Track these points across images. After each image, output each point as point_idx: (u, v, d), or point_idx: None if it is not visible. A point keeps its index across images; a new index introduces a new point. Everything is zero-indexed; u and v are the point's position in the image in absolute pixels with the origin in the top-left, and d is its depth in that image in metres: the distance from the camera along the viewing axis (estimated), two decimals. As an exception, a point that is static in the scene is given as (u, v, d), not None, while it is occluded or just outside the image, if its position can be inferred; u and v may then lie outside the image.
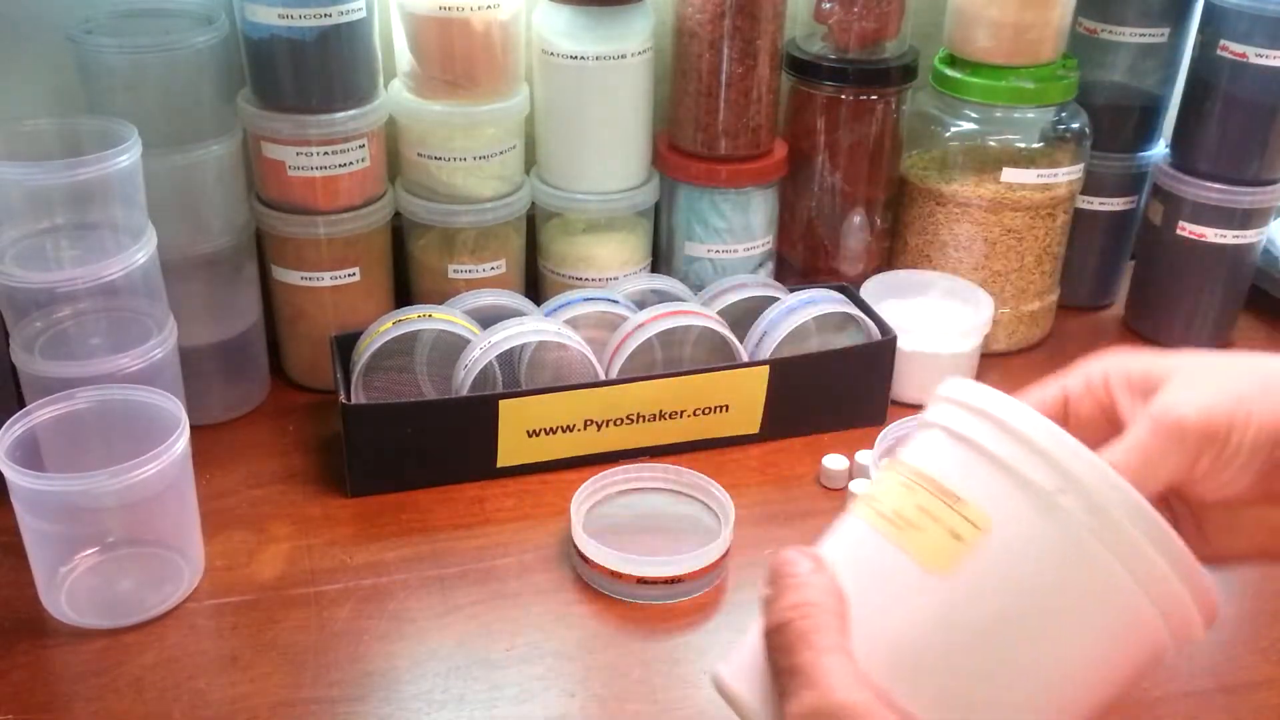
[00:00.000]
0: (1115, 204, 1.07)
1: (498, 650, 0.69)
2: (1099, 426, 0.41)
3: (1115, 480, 0.35)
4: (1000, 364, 1.01)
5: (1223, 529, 0.41)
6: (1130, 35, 1.00)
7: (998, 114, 0.97)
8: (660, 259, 1.02)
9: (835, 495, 0.84)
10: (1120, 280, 1.12)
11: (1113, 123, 1.03)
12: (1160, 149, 1.06)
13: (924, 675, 0.35)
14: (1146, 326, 1.07)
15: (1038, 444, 0.35)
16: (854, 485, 0.82)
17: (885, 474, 0.40)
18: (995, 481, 0.35)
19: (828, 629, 0.36)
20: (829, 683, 0.35)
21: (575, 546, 0.74)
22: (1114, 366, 0.42)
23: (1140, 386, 0.40)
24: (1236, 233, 1.00)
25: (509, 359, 0.87)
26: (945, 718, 0.35)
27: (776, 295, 0.92)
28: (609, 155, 0.95)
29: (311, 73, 0.83)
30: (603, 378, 0.85)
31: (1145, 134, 1.05)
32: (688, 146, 0.97)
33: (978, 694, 0.35)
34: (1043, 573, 0.35)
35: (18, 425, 0.69)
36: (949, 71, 0.97)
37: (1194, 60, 1.00)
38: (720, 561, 0.74)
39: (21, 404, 0.72)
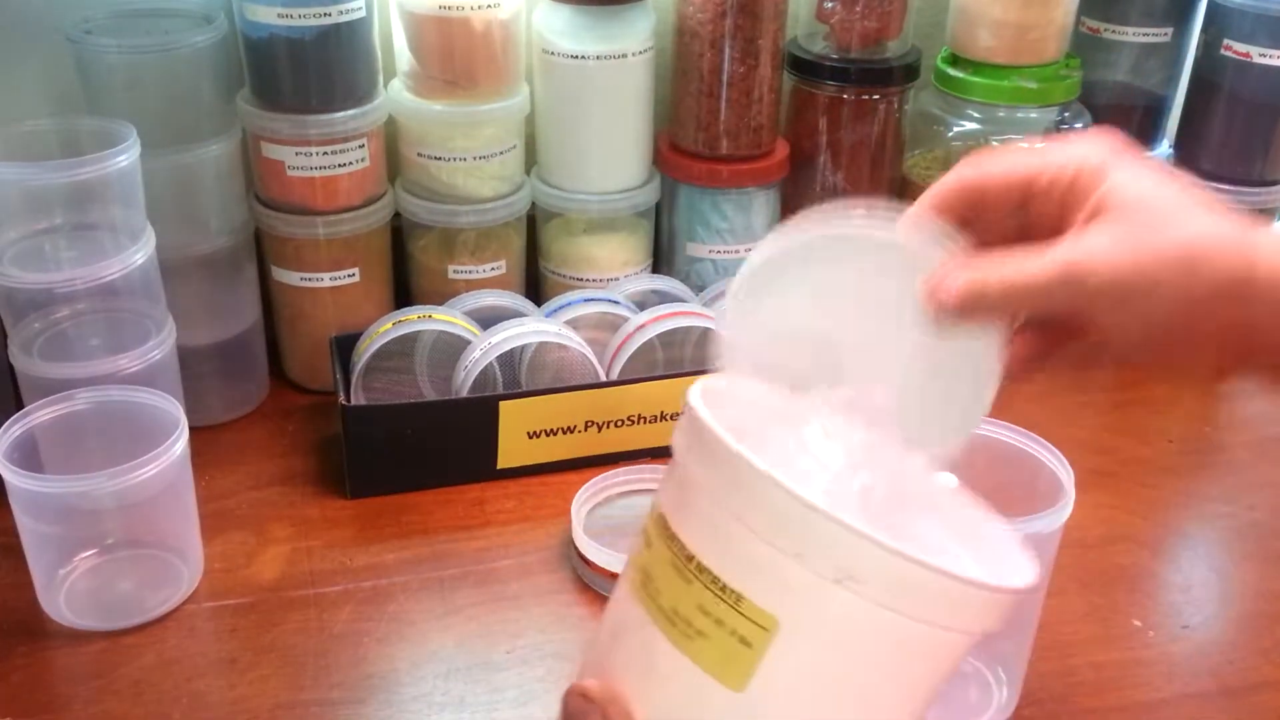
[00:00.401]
0: (1118, 204, 1.07)
1: (498, 652, 0.69)
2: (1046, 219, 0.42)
3: (896, 554, 0.31)
4: (1002, 364, 1.01)
5: None
6: (1133, 35, 1.00)
7: (1000, 114, 0.96)
8: (661, 259, 1.02)
9: (837, 496, 0.83)
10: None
11: (1116, 122, 1.02)
12: (1164, 149, 1.05)
13: None
14: (1149, 327, 1.07)
15: (812, 526, 0.31)
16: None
17: (657, 543, 0.34)
18: (770, 573, 0.31)
19: None
20: None
21: (576, 548, 0.74)
22: (1085, 170, 0.41)
23: (1091, 203, 0.40)
24: None
25: (509, 360, 0.86)
26: None
27: (778, 296, 0.92)
28: (610, 155, 0.95)
29: (311, 72, 0.83)
30: (603, 379, 0.85)
31: (1148, 134, 1.05)
32: (689, 146, 0.96)
33: None
34: (845, 659, 0.32)
35: (16, 426, 0.69)
36: (951, 71, 0.97)
37: (1197, 60, 1.00)
38: (721, 563, 0.74)
39: (20, 405, 0.72)
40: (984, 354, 0.41)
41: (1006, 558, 0.36)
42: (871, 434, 0.38)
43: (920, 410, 0.40)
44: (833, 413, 0.38)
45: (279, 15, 0.80)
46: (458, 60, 0.86)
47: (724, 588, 0.32)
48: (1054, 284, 0.39)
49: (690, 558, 0.32)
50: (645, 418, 0.84)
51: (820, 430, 0.37)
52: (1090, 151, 0.41)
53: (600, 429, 0.84)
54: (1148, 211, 0.39)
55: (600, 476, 0.79)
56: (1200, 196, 0.40)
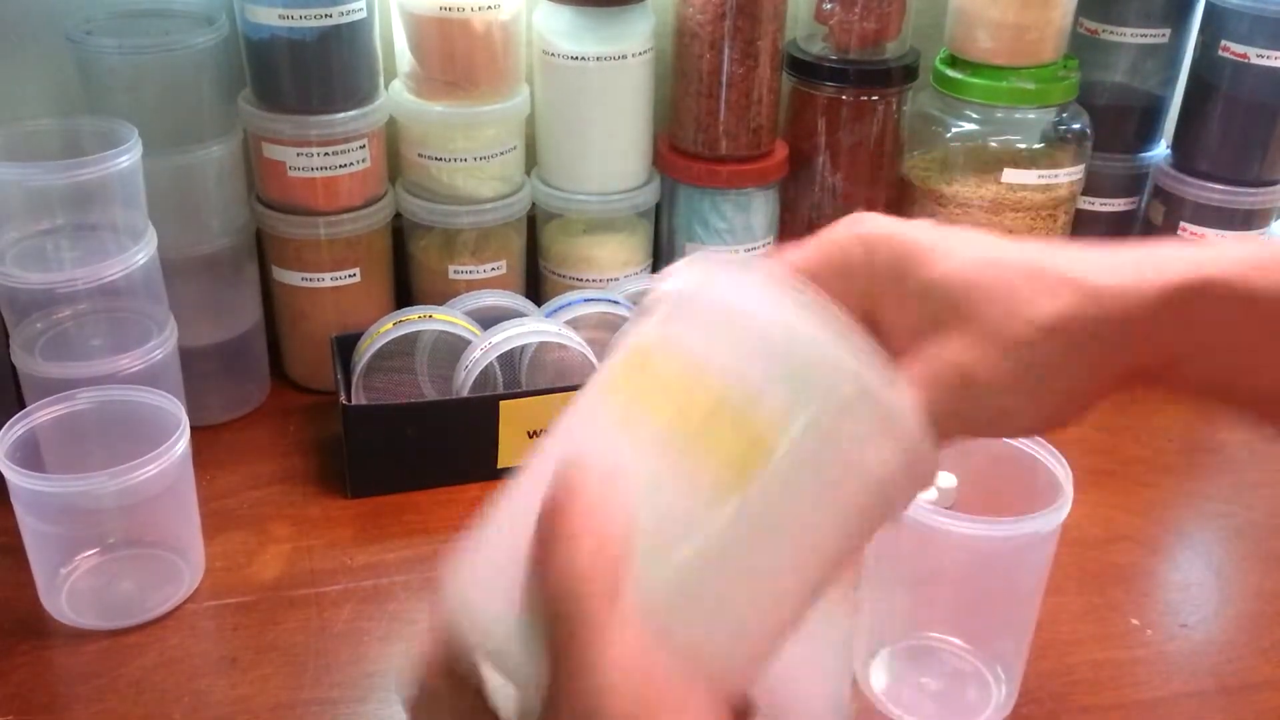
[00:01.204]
0: (1116, 205, 1.07)
1: (498, 651, 0.69)
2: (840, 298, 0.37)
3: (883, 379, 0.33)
4: (1001, 365, 1.01)
5: None
6: (1131, 36, 1.00)
7: (999, 115, 0.96)
8: (661, 260, 1.02)
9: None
10: (1121, 281, 1.12)
11: (1114, 123, 1.03)
12: (1161, 150, 1.06)
13: (703, 599, 0.33)
14: (1147, 327, 1.07)
15: (825, 339, 0.32)
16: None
17: (669, 355, 0.34)
18: (790, 377, 0.32)
19: (619, 581, 0.30)
20: (612, 672, 0.29)
21: (576, 547, 0.74)
22: (878, 245, 0.37)
23: (911, 292, 0.36)
24: (1238, 233, 1.00)
25: (510, 360, 0.86)
26: (718, 632, 0.33)
27: (777, 296, 0.92)
28: (610, 156, 0.95)
29: (312, 73, 0.83)
30: (603, 378, 0.85)
31: (1146, 135, 1.05)
32: (688, 147, 0.97)
33: (754, 590, 0.33)
34: (821, 464, 0.33)
35: (18, 426, 0.69)
36: (950, 72, 0.97)
37: (1195, 61, 1.00)
38: (721, 562, 0.74)
39: (22, 405, 0.72)
40: None
41: None
42: None
43: None
44: None
45: (280, 16, 0.80)
46: (458, 61, 0.87)
47: (735, 398, 0.32)
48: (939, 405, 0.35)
49: (702, 369, 0.33)
50: (645, 418, 0.84)
51: None
52: (850, 229, 0.38)
53: (600, 429, 0.84)
54: (979, 296, 0.35)
55: (600, 476, 0.79)
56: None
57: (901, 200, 1.02)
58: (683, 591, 0.32)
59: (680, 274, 0.35)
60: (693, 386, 0.33)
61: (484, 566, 0.33)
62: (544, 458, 0.34)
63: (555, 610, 0.30)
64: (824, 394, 0.33)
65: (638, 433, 0.33)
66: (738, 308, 0.34)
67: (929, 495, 0.74)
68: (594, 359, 0.85)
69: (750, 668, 0.35)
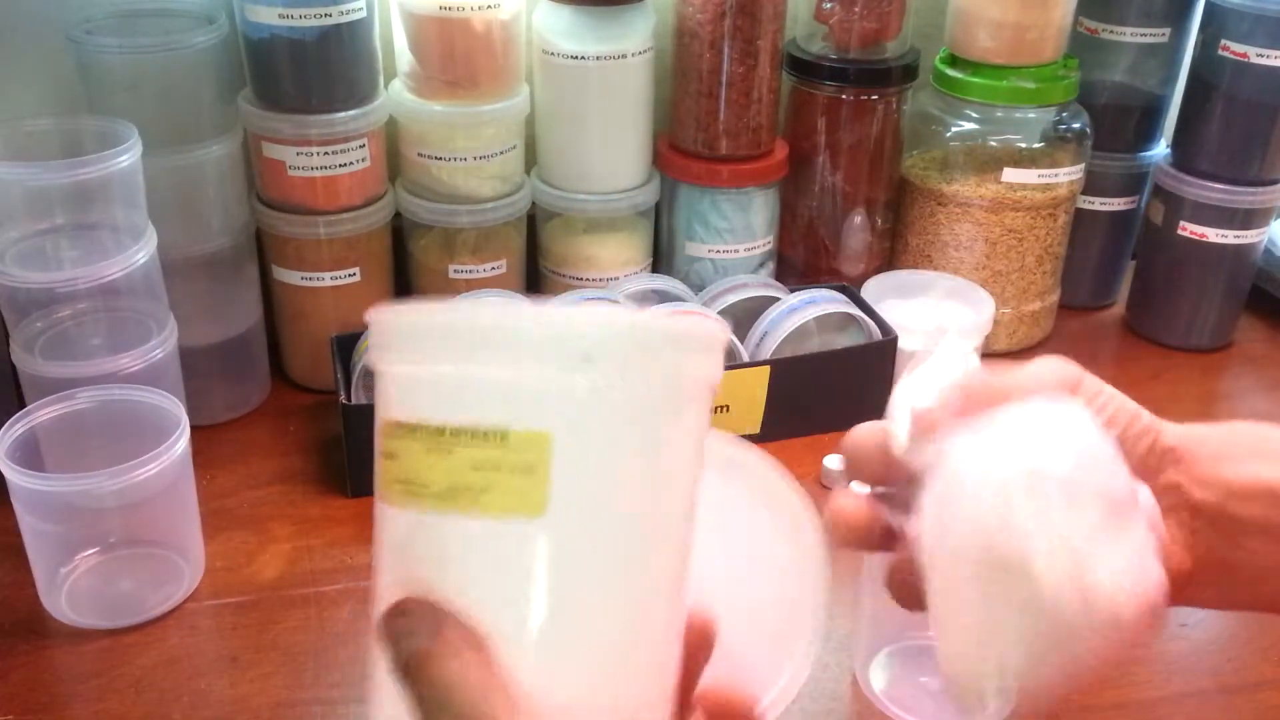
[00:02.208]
0: (1116, 204, 1.07)
1: (498, 651, 0.69)
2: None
3: (603, 319, 0.32)
4: (1001, 364, 1.01)
5: None
6: (1131, 35, 1.00)
7: (999, 114, 0.97)
8: (661, 259, 1.02)
9: (836, 495, 0.83)
10: (1121, 280, 1.12)
11: (1114, 123, 1.03)
12: (1161, 149, 1.06)
13: (578, 628, 0.32)
14: (1147, 326, 1.07)
15: (527, 333, 0.32)
16: (854, 485, 0.82)
17: (399, 447, 0.33)
18: (517, 395, 0.32)
19: (491, 664, 0.31)
20: None
21: (576, 547, 0.74)
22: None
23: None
24: (1237, 233, 1.00)
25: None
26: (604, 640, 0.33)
27: (777, 295, 0.92)
28: (609, 155, 0.95)
29: (312, 73, 0.83)
30: (603, 378, 0.85)
31: (1146, 134, 1.05)
32: (688, 146, 0.97)
33: (631, 584, 0.33)
34: (615, 439, 0.32)
35: (18, 425, 0.69)
36: (950, 71, 0.97)
37: (1195, 60, 1.00)
38: (721, 562, 0.74)
39: (22, 404, 0.72)
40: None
41: None
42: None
43: None
44: None
45: (280, 16, 0.80)
46: (458, 61, 0.87)
47: (486, 434, 0.32)
48: None
49: (440, 431, 0.32)
50: (645, 417, 0.84)
51: None
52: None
53: (600, 428, 0.84)
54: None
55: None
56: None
57: (901, 200, 1.02)
58: (551, 655, 0.32)
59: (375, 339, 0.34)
60: (445, 441, 0.32)
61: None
62: (376, 599, 0.34)
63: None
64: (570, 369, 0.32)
65: (425, 521, 0.32)
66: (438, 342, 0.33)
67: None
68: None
69: (657, 673, 0.34)
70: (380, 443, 0.34)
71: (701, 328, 0.34)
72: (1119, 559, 0.37)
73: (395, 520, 0.33)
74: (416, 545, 0.33)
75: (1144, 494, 0.39)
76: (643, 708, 0.34)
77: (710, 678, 0.37)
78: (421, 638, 0.31)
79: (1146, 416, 0.42)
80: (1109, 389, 0.42)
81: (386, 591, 0.33)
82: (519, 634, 0.32)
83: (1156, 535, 0.39)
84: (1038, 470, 0.37)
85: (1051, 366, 0.42)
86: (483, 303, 0.32)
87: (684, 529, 0.35)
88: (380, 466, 0.34)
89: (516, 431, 0.31)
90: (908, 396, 0.41)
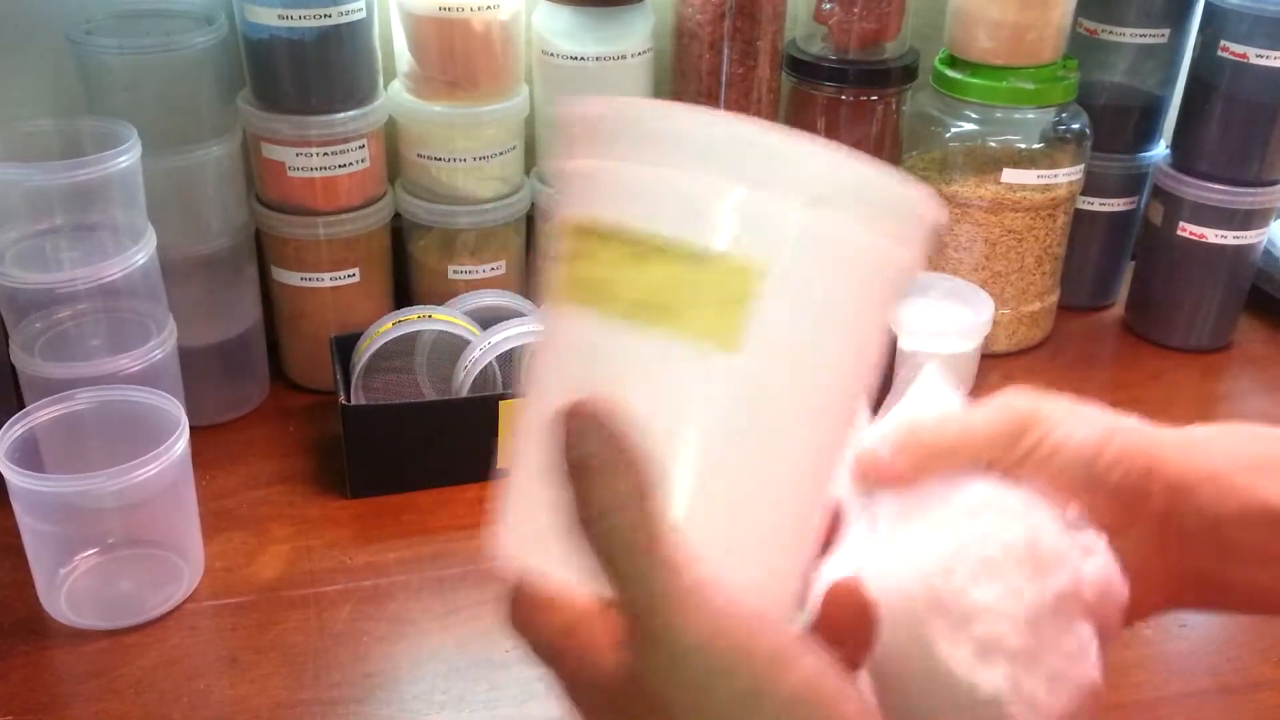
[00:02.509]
0: (1116, 205, 1.07)
1: (498, 651, 0.69)
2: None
3: (853, 163, 0.31)
4: (1001, 365, 1.01)
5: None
6: (1131, 36, 1.00)
7: (998, 115, 0.97)
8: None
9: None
10: (1121, 281, 1.12)
11: (1113, 123, 1.03)
12: (1161, 150, 1.06)
13: (738, 501, 0.31)
14: (1147, 327, 1.07)
15: (777, 154, 0.30)
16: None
17: (593, 248, 0.31)
18: (744, 218, 0.30)
19: (671, 544, 0.30)
20: (710, 653, 0.29)
21: (575, 547, 0.74)
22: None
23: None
24: (1237, 233, 1.00)
25: (509, 359, 0.86)
26: (768, 534, 0.32)
27: (777, 296, 0.92)
28: (609, 156, 0.95)
29: (311, 73, 0.83)
30: (603, 378, 0.85)
31: (1146, 135, 1.05)
32: (688, 147, 0.96)
33: (786, 460, 0.31)
34: (825, 287, 0.30)
35: (17, 426, 0.69)
36: (949, 72, 0.97)
37: (1194, 61, 1.00)
38: (720, 562, 0.74)
39: (21, 405, 0.72)
40: None
41: None
42: None
43: None
44: None
45: (279, 16, 0.80)
46: (458, 61, 0.87)
47: (692, 254, 0.30)
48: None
49: (646, 239, 0.30)
50: (644, 418, 0.84)
51: None
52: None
53: (600, 429, 0.84)
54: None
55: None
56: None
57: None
58: (717, 504, 0.30)
59: (585, 109, 0.32)
60: (644, 250, 0.30)
61: (527, 526, 0.32)
62: (542, 394, 0.32)
63: (628, 592, 0.30)
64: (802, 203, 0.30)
65: (615, 325, 0.30)
66: (668, 139, 0.30)
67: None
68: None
69: (806, 549, 0.33)
70: (564, 243, 0.32)
71: (929, 215, 0.32)
72: (1054, 662, 0.36)
73: (574, 321, 0.31)
74: (598, 349, 0.31)
75: (1090, 564, 0.38)
76: (778, 571, 0.32)
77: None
78: (592, 442, 0.30)
79: (1119, 440, 0.39)
80: (1069, 419, 0.39)
81: (555, 386, 0.32)
82: (685, 464, 0.30)
83: (1110, 599, 0.38)
84: (949, 595, 0.36)
85: (1007, 408, 0.40)
86: (715, 115, 0.29)
87: (858, 407, 0.34)
88: (563, 266, 0.32)
89: (726, 256, 0.29)
90: (873, 433, 0.40)
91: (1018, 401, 0.40)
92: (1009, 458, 0.39)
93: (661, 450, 0.30)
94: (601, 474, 0.30)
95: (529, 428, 0.32)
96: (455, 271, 0.93)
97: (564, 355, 0.32)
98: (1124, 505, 0.38)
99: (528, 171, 0.97)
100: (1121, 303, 1.11)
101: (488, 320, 0.87)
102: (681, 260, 0.30)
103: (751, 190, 0.30)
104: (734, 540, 0.31)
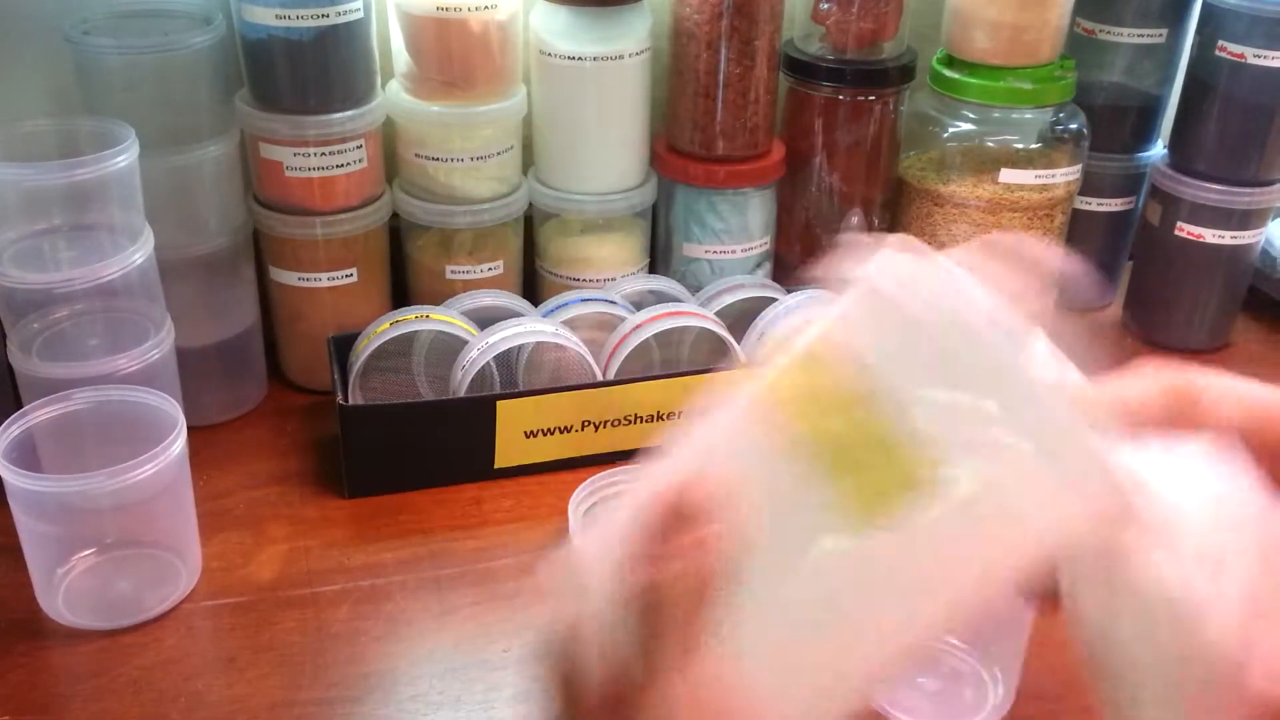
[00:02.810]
0: (1113, 205, 1.07)
1: (495, 651, 0.69)
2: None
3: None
4: (998, 365, 1.01)
5: None
6: (1128, 36, 1.00)
7: (995, 115, 0.97)
8: (658, 260, 1.02)
9: (833, 496, 0.83)
10: (1118, 281, 1.12)
11: (1111, 123, 1.03)
12: (1158, 150, 1.06)
13: (795, 644, 0.30)
14: (1145, 327, 1.07)
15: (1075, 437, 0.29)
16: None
17: (838, 371, 0.30)
18: (980, 439, 0.29)
19: (720, 594, 0.30)
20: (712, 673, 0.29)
21: (573, 547, 0.74)
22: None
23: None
24: (1235, 233, 1.00)
25: (506, 360, 0.86)
26: (802, 681, 0.31)
27: (774, 296, 0.92)
28: (606, 156, 0.95)
29: (309, 73, 0.83)
30: (600, 379, 0.85)
31: (1143, 135, 1.05)
32: (685, 147, 0.97)
33: (856, 641, 0.30)
34: (994, 514, 0.29)
35: (15, 426, 0.69)
36: (947, 72, 0.97)
37: (1192, 61, 1.00)
38: (718, 562, 0.74)
39: (19, 405, 0.72)
40: None
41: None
42: None
43: None
44: None
45: (277, 16, 0.80)
46: (455, 61, 0.87)
47: (923, 438, 0.29)
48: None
49: (889, 400, 0.29)
50: (642, 417, 0.84)
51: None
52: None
53: (597, 429, 0.84)
54: None
55: (597, 476, 0.80)
56: None
57: (898, 200, 1.02)
58: (777, 632, 0.30)
59: (875, 266, 0.31)
60: (851, 401, 0.29)
61: (596, 542, 0.33)
62: (682, 449, 0.33)
63: (649, 625, 0.30)
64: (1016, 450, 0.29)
65: (777, 440, 0.30)
66: (929, 316, 0.30)
67: None
68: (591, 359, 0.85)
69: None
70: (813, 346, 0.31)
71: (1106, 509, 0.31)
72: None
73: (756, 421, 0.31)
74: (757, 457, 0.31)
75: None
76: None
77: None
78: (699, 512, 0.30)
79: None
80: (1226, 386, 0.36)
81: (689, 454, 0.32)
82: (769, 587, 0.30)
83: None
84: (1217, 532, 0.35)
85: (1160, 381, 0.38)
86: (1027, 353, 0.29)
87: (940, 636, 0.34)
88: (786, 369, 0.31)
89: (943, 464, 0.29)
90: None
91: (1170, 375, 0.36)
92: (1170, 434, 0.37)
93: (754, 563, 0.30)
94: (689, 539, 0.30)
95: (652, 474, 0.33)
96: (453, 271, 0.93)
97: (731, 439, 0.32)
98: None
99: (525, 171, 0.97)
100: (1119, 303, 1.11)
101: (485, 320, 0.87)
102: (895, 432, 0.29)
103: (1000, 410, 0.29)
104: (776, 674, 0.30)
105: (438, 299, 0.91)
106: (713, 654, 0.29)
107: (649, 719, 0.29)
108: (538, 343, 0.86)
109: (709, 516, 0.30)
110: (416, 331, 0.86)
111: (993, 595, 0.31)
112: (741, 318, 0.91)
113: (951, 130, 0.98)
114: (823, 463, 0.30)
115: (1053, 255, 0.31)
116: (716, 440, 0.33)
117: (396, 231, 0.95)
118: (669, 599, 0.30)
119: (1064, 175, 0.97)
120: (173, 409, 0.71)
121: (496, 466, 0.84)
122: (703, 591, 0.29)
